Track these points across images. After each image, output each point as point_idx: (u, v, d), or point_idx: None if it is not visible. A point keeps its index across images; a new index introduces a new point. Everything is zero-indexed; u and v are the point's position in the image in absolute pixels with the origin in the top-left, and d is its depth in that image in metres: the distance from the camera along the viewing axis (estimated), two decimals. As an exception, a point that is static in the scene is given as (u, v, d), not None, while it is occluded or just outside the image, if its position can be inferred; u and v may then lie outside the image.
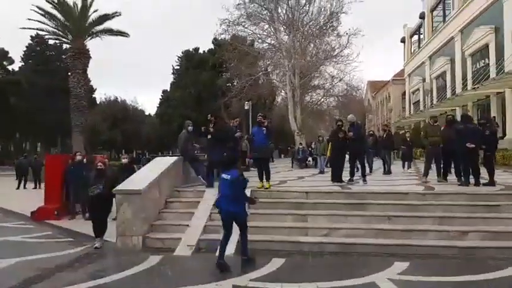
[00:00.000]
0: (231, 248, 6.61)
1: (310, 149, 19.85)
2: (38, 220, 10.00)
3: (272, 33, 23.85)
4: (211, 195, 8.20)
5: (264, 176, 8.70)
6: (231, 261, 6.33)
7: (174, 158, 9.74)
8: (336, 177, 9.85)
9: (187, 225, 7.35)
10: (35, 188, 17.86)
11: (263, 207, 7.63)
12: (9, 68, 53.70)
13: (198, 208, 7.84)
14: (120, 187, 7.48)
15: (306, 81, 25.56)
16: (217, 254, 5.83)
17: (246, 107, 28.80)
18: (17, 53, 54.59)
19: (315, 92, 29.82)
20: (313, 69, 25.35)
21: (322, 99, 30.28)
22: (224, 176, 5.93)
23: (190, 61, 49.84)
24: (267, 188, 8.57)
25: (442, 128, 10.22)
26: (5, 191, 17.53)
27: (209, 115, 9.83)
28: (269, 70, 27.94)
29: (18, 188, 18.50)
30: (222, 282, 5.07)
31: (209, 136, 9.35)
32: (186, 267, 6.11)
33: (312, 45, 25.32)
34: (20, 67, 53.40)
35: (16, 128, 49.87)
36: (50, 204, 10.53)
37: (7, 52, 52.18)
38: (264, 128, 8.72)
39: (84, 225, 8.19)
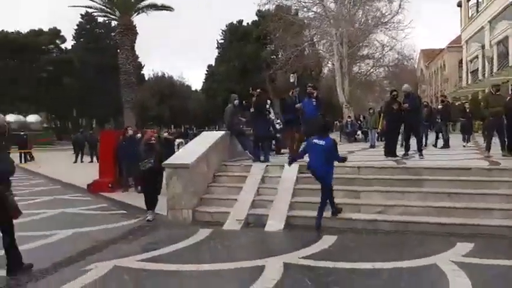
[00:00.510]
0: (279, 224, 6.50)
1: (359, 122, 19.12)
2: (94, 193, 10.44)
3: (318, 1, 22.86)
4: (258, 169, 8.07)
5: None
6: (279, 237, 6.23)
7: (222, 133, 9.67)
8: (390, 152, 9.34)
9: (236, 200, 7.29)
10: (91, 161, 18.74)
11: (312, 183, 7.40)
12: (62, 46, 55.98)
13: (245, 182, 7.74)
14: (169, 161, 7.54)
15: (354, 51, 24.49)
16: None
17: (291, 80, 28.10)
18: (68, 31, 56.64)
19: (364, 62, 28.58)
20: (362, 37, 24.18)
21: (372, 70, 28.96)
22: (316, 141, 6.40)
23: (234, 34, 49.46)
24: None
25: (508, 99, 9.31)
26: (63, 164, 18.60)
27: (251, 88, 9.63)
28: (315, 40, 27.00)
29: (75, 161, 19.54)
30: (272, 259, 4.95)
31: (251, 110, 9.17)
32: (235, 241, 6.07)
33: (360, 11, 24.07)
34: (72, 45, 55.57)
35: (72, 106, 52.50)
36: (105, 177, 10.95)
37: (59, 31, 54.28)
38: (314, 100, 8.33)
39: (136, 198, 8.38)
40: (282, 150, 10.92)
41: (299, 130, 8.98)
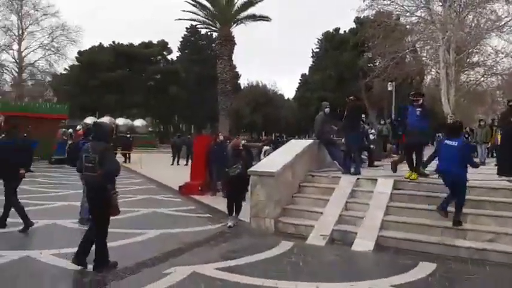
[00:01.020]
0: (369, 244, 5.91)
1: (466, 135, 17.13)
2: (184, 194, 10.83)
3: (423, 4, 21.24)
4: (347, 182, 7.54)
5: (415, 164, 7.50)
6: (368, 259, 5.66)
7: (310, 141, 9.31)
8: (505, 170, 8.04)
9: (321, 213, 6.87)
10: (186, 164, 19.72)
11: (408, 201, 6.66)
12: (169, 57, 60.82)
13: (333, 195, 7.27)
14: (254, 168, 7.42)
15: (463, 58, 22.13)
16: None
17: (389, 88, 26.72)
18: (174, 43, 61.27)
19: (473, 70, 25.67)
20: (472, 43, 21.76)
21: (482, 79, 25.90)
22: (448, 142, 6.15)
23: (330, 42, 48.82)
24: (413, 179, 7.41)
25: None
26: (161, 166, 19.86)
27: (347, 98, 9.07)
28: (417, 46, 25.09)
29: (172, 164, 20.74)
30: (359, 284, 4.45)
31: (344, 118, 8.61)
32: (319, 258, 5.65)
33: (471, 15, 21.71)
34: (177, 57, 60.11)
35: (175, 112, 56.60)
36: (195, 180, 11.32)
37: (167, 43, 59.05)
38: (419, 108, 7.37)
39: (223, 203, 8.36)
40: (375, 163, 10.15)
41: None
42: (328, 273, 5.10)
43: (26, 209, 6.59)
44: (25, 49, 41.34)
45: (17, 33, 40.74)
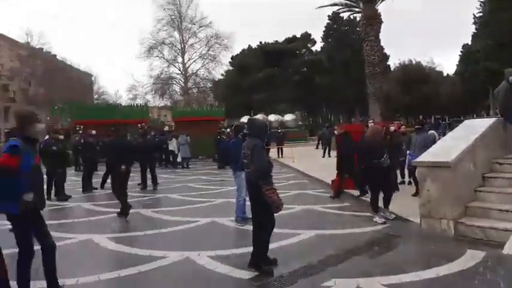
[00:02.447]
0: None
1: None
2: (337, 189, 10.05)
3: None
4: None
5: None
6: None
7: (491, 120, 7.43)
8: None
9: (520, 213, 5.24)
10: (337, 156, 18.93)
11: None
12: (313, 49, 60.72)
13: (535, 189, 5.52)
14: (423, 158, 6.18)
15: None
16: None
17: None
18: (318, 34, 60.83)
19: None
20: None
21: None
22: None
23: (497, 1, 40.99)
24: None
25: None
26: (313, 159, 19.49)
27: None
28: None
29: (323, 156, 20.19)
30: None
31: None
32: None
33: None
34: (321, 47, 59.50)
35: (322, 103, 56.23)
36: (348, 173, 10.43)
37: (309, 35, 59.04)
38: None
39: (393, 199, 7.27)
40: None
41: None
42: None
43: (189, 206, 6.88)
44: (188, 61, 46.60)
45: (180, 47, 46.13)
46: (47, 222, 4.06)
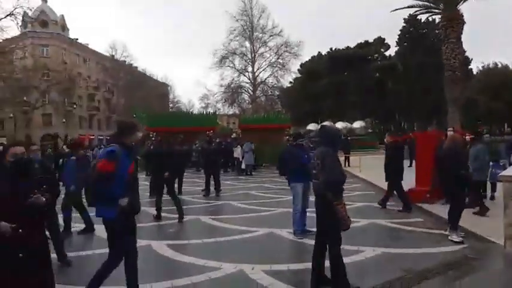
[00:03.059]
0: None
1: None
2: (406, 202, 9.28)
3: None
4: None
5: None
6: None
7: None
8: None
9: None
10: (410, 166, 17.68)
11: None
12: (386, 53, 58.22)
13: None
14: (508, 173, 5.39)
15: None
16: None
17: None
18: (392, 38, 58.32)
19: None
20: None
21: None
22: None
23: None
24: None
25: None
26: (382, 169, 18.37)
27: None
28: None
29: (394, 165, 18.96)
30: None
31: None
32: None
33: None
34: (395, 52, 56.85)
35: (395, 110, 53.55)
36: (422, 185, 9.59)
37: (383, 39, 56.75)
38: None
39: (466, 216, 6.48)
40: None
41: None
42: None
43: (249, 215, 7.09)
44: (257, 70, 47.14)
45: (250, 57, 46.90)
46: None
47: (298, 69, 56.32)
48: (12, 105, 41.77)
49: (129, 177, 3.77)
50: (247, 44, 46.34)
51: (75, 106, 49.07)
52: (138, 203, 4.02)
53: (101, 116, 60.59)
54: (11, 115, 44.18)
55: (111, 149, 3.68)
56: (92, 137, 53.58)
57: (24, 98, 42.28)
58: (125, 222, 3.75)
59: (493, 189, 9.15)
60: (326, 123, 30.35)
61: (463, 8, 23.36)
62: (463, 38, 23.09)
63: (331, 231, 4.20)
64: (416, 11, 27.37)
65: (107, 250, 3.86)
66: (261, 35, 46.08)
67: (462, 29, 22.91)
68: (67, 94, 47.21)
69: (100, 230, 7.19)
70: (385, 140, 11.20)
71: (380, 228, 7.23)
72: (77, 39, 55.60)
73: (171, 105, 68.75)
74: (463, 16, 22.83)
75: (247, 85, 47.75)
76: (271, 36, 45.98)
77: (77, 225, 7.44)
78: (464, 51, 31.18)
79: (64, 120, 47.70)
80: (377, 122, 58.02)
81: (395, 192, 9.11)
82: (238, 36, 45.55)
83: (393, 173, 9.12)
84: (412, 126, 55.45)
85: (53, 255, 5.39)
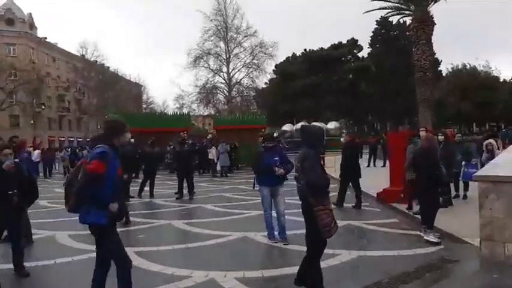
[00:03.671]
0: None
1: None
2: (384, 203, 9.28)
3: None
4: None
5: None
6: None
7: None
8: None
9: None
10: (383, 166, 17.88)
11: None
12: (359, 55, 59.16)
13: None
14: (483, 172, 5.36)
15: None
16: None
17: None
18: (365, 40, 59.16)
19: None
20: None
21: None
22: None
23: None
24: None
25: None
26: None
27: None
28: None
29: (368, 165, 19.10)
30: None
31: None
32: None
33: None
34: (368, 53, 57.83)
35: (368, 111, 54.42)
36: (396, 185, 9.60)
37: (356, 41, 57.67)
38: None
39: (439, 216, 6.44)
40: None
41: None
42: None
43: (222, 218, 7.05)
44: (232, 70, 46.80)
45: (225, 57, 46.53)
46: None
47: (274, 70, 56.41)
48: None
49: (116, 180, 3.50)
50: (222, 44, 45.97)
51: (43, 107, 47.27)
52: (125, 208, 3.74)
53: (71, 117, 58.85)
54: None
55: (102, 150, 3.40)
56: (62, 138, 51.83)
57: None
58: (113, 228, 3.51)
59: (466, 189, 9.27)
60: (300, 124, 30.41)
61: (433, 9, 23.89)
62: (433, 39, 23.60)
63: (310, 239, 3.99)
64: (388, 13, 27.79)
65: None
66: (235, 35, 45.82)
67: (432, 30, 23.40)
68: (35, 95, 45.56)
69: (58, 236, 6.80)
70: (341, 139, 11.53)
71: (357, 229, 7.12)
72: (46, 38, 53.79)
73: (144, 106, 67.46)
74: (433, 17, 23.33)
75: (223, 85, 47.38)
76: (245, 36, 45.80)
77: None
78: (434, 53, 32.01)
79: (32, 121, 45.98)
80: (351, 122, 58.84)
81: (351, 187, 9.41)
82: (212, 36, 45.11)
83: (352, 171, 9.41)
84: (385, 127, 56.49)
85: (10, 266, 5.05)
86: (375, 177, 12.90)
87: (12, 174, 4.84)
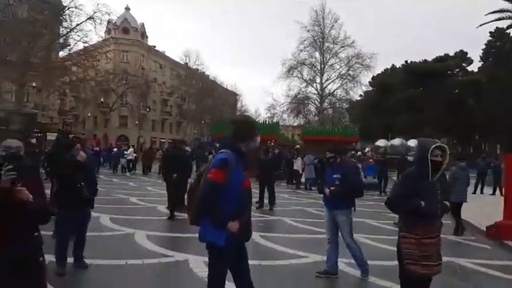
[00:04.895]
0: None
1: None
2: (495, 239, 7.82)
3: None
4: None
5: None
6: None
7: None
8: None
9: None
10: (493, 194, 15.60)
11: None
12: (469, 68, 53.87)
13: None
14: None
15: None
16: None
17: None
18: (475, 53, 53.80)
19: None
20: None
21: None
22: None
23: None
24: None
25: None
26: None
27: None
28: None
29: (474, 192, 16.71)
30: None
31: None
32: None
33: None
34: (479, 67, 52.35)
35: (475, 129, 49.04)
36: (511, 219, 8.06)
37: (466, 53, 52.56)
38: None
39: None
40: None
41: None
42: None
43: (300, 236, 5.80)
44: (325, 81, 45.93)
45: (319, 68, 45.85)
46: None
47: (370, 82, 53.93)
48: (94, 106, 45.28)
49: (243, 193, 3.02)
50: (317, 54, 45.39)
51: (148, 110, 51.59)
52: (249, 228, 3.13)
53: (172, 121, 63.20)
54: (89, 114, 48.19)
55: (223, 157, 2.95)
56: (162, 140, 55.97)
57: (101, 100, 45.25)
58: (234, 252, 3.01)
59: None
60: (395, 140, 28.27)
61: None
62: None
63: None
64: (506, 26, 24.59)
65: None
66: (332, 45, 44.88)
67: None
68: (142, 98, 49.78)
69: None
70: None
71: (461, 268, 5.97)
72: (155, 46, 58.72)
73: (238, 113, 69.75)
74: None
75: (315, 96, 46.72)
76: (342, 47, 44.62)
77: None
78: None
79: (137, 122, 50.32)
80: (454, 141, 53.64)
81: None
82: (308, 47, 44.80)
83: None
84: (495, 148, 50.30)
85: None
86: (483, 207, 11.18)
87: (80, 168, 4.91)
